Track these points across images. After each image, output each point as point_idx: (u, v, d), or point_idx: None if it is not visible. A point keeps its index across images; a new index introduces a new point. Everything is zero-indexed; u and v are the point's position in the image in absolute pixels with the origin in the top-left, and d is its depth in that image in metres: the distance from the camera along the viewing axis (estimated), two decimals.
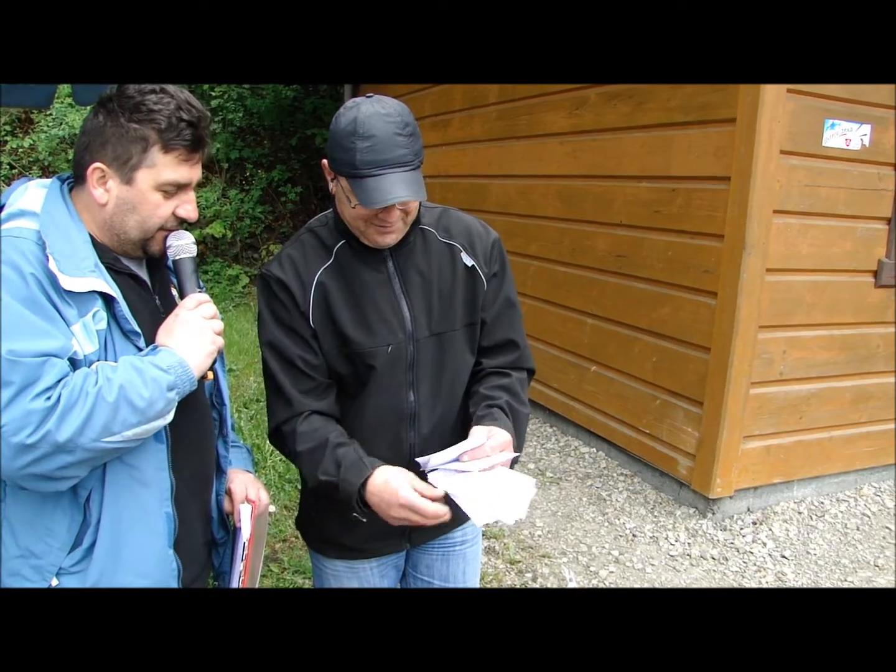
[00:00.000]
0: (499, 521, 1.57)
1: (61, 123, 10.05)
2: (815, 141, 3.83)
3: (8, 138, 10.26)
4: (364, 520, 1.70)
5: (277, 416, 1.81)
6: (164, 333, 1.51)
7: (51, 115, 10.18)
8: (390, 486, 1.63)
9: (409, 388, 1.83)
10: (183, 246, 1.58)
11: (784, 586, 3.64)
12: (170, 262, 1.64)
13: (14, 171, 9.99)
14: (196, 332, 1.51)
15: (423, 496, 1.61)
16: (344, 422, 1.83)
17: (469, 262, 1.86)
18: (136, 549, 1.52)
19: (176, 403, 1.47)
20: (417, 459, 1.71)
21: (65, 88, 4.46)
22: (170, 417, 1.48)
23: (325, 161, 1.73)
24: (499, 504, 1.59)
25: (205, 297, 1.58)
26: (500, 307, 1.92)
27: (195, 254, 1.62)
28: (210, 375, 1.58)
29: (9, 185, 9.51)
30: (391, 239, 1.76)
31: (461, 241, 1.88)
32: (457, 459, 1.66)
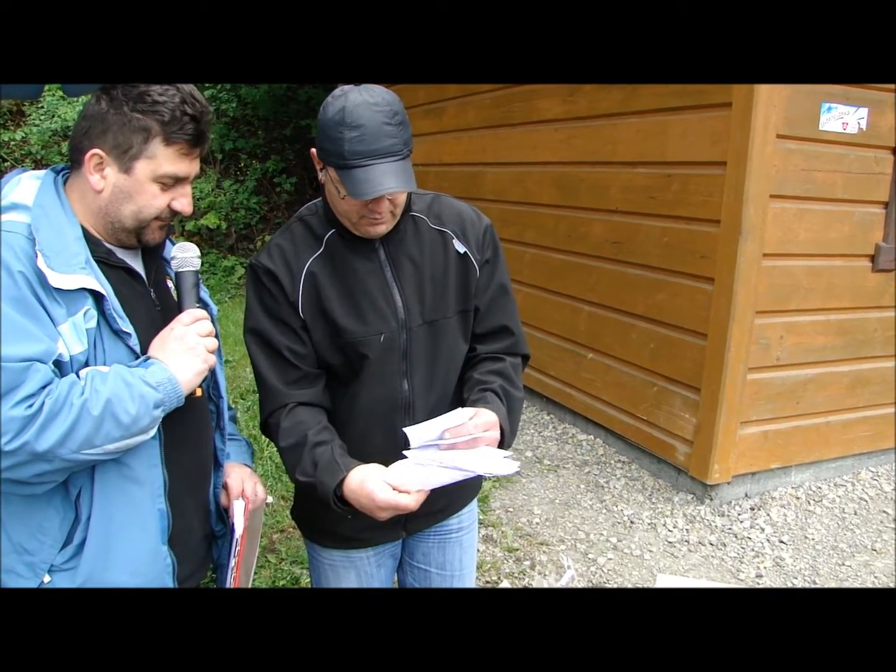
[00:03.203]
0: (477, 473, 1.58)
1: (53, 116, 9.98)
2: (812, 125, 3.81)
3: (0, 131, 10.19)
4: (349, 516, 1.69)
5: (265, 409, 1.80)
6: (158, 346, 1.50)
7: (42, 107, 10.12)
8: (365, 489, 1.60)
9: (403, 377, 1.81)
10: (187, 259, 1.58)
11: (782, 571, 3.65)
12: (166, 254, 1.63)
13: (6, 163, 9.94)
14: (188, 350, 1.50)
15: (399, 491, 1.58)
16: (338, 412, 1.82)
17: (461, 248, 1.85)
18: (128, 546, 1.51)
19: (160, 420, 1.47)
20: (406, 431, 1.69)
21: None
22: (152, 433, 1.47)
23: (314, 150, 1.71)
24: (475, 465, 1.58)
25: (202, 313, 1.56)
26: (494, 294, 1.90)
27: (198, 268, 1.61)
28: (199, 392, 1.56)
29: (1, 177, 9.45)
30: (381, 230, 1.74)
31: (453, 228, 1.86)
32: (440, 437, 1.65)
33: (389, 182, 1.58)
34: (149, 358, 1.48)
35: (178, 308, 1.58)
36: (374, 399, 1.81)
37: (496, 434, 1.70)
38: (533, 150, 5.31)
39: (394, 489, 1.58)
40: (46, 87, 6.23)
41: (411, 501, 1.58)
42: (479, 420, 1.67)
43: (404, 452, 1.66)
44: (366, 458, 1.83)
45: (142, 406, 1.40)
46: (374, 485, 1.59)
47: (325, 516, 1.94)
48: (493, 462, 1.61)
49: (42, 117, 10.14)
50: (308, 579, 2.90)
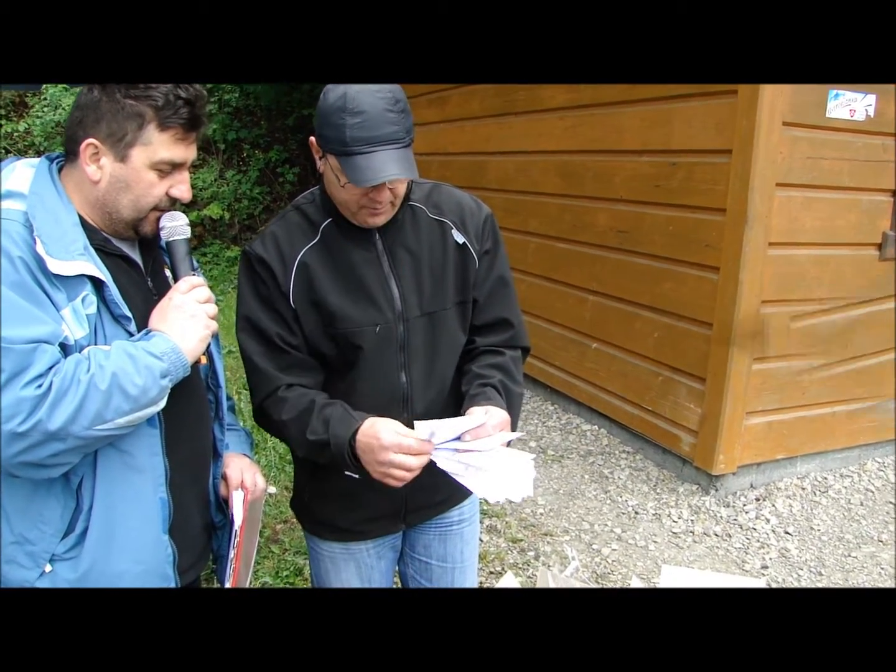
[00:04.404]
0: (508, 500, 1.56)
1: (56, 108, 9.96)
2: (819, 112, 3.77)
3: (2, 122, 10.18)
4: (357, 476, 1.66)
5: (258, 394, 1.78)
6: (158, 318, 1.48)
7: (45, 99, 10.09)
8: (374, 428, 1.60)
9: (401, 370, 1.79)
10: (177, 227, 1.55)
11: (788, 562, 3.63)
12: (163, 243, 1.61)
13: (9, 154, 9.92)
14: (189, 317, 1.48)
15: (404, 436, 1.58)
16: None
17: (460, 239, 1.82)
18: (130, 535, 1.50)
19: (169, 390, 1.45)
20: (416, 424, 1.65)
21: None
22: (163, 404, 1.45)
23: (312, 139, 1.69)
24: (504, 482, 1.56)
25: (199, 280, 1.54)
26: (493, 285, 1.88)
27: (189, 235, 1.58)
28: (204, 360, 1.55)
29: None
30: (380, 220, 1.72)
31: (452, 218, 1.84)
32: (458, 439, 1.63)
33: (392, 169, 1.56)
34: (150, 331, 1.46)
35: (173, 278, 1.57)
36: (372, 392, 1.79)
37: (509, 434, 1.68)
38: (537, 138, 5.27)
39: (398, 433, 1.58)
40: None
41: (414, 443, 1.57)
42: (494, 420, 1.64)
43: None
44: None
45: (149, 377, 1.39)
46: (382, 425, 1.60)
47: (324, 508, 1.93)
48: (512, 471, 1.59)
49: (45, 109, 10.11)
50: None
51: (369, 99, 1.56)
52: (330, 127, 1.59)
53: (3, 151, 9.97)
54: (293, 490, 2.07)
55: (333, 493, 1.88)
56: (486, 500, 3.86)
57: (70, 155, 1.50)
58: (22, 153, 9.86)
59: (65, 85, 9.64)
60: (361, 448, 1.62)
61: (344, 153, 1.58)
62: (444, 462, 1.60)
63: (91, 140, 1.45)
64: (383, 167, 1.56)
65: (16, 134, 10.19)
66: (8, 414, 1.28)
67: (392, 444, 1.57)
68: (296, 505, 2.05)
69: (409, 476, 1.59)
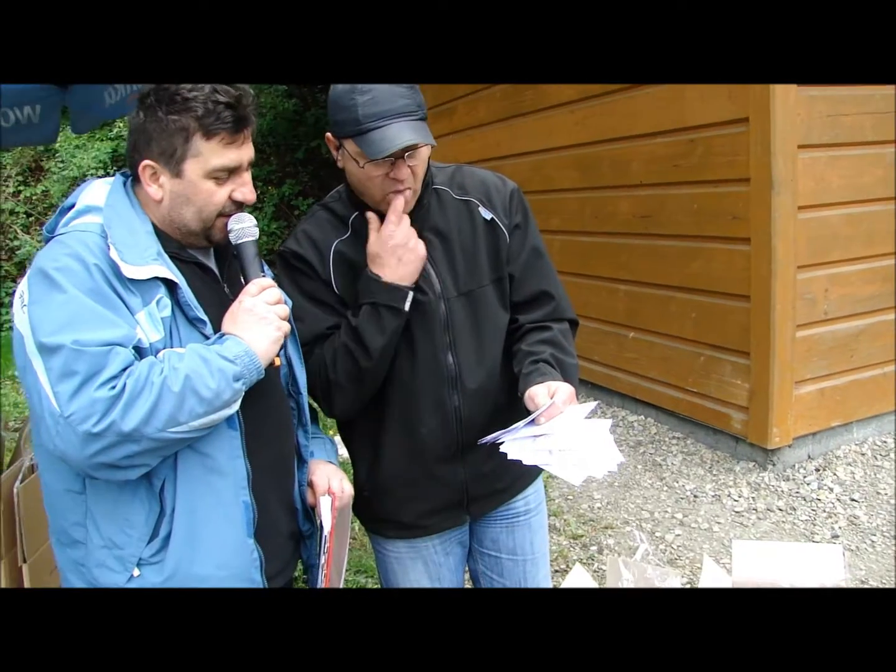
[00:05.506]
0: (595, 477, 1.51)
1: (70, 166, 10.10)
2: None
3: (21, 188, 10.37)
4: (410, 295, 1.72)
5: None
6: (229, 321, 1.49)
7: (59, 158, 10.25)
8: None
9: (448, 350, 1.78)
10: (244, 229, 1.55)
11: (858, 529, 3.54)
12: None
13: (31, 218, 10.11)
14: (260, 319, 1.48)
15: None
16: (384, 393, 1.78)
17: (488, 215, 1.81)
18: (213, 539, 1.50)
19: (243, 393, 1.45)
20: (481, 442, 1.64)
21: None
22: (236, 406, 1.46)
23: (328, 134, 1.70)
24: (593, 457, 1.51)
25: (268, 281, 1.55)
26: (528, 258, 1.86)
27: (257, 236, 1.59)
28: (278, 361, 1.55)
29: (27, 233, 9.69)
30: (407, 204, 1.72)
31: (477, 196, 1.83)
32: (532, 422, 1.59)
33: (407, 135, 1.58)
34: (223, 335, 1.48)
35: (243, 280, 1.57)
36: (420, 373, 1.78)
37: (587, 405, 1.64)
38: (549, 136, 5.24)
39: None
40: (60, 137, 6.33)
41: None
42: (561, 396, 1.61)
43: (501, 448, 1.57)
44: (417, 439, 1.80)
45: (222, 380, 1.39)
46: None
47: (383, 503, 1.91)
48: (597, 443, 1.54)
49: (60, 167, 10.24)
50: (375, 586, 2.85)
51: None
52: (342, 110, 1.61)
53: (25, 216, 10.14)
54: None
55: (393, 485, 1.85)
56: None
57: (135, 180, 1.54)
58: (42, 215, 10.03)
59: (77, 142, 9.77)
60: (384, 262, 1.70)
61: (359, 132, 1.59)
62: (527, 454, 1.54)
63: (147, 162, 1.49)
64: (398, 135, 1.57)
65: (35, 197, 10.36)
66: (83, 415, 1.30)
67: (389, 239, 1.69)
68: (356, 504, 2.01)
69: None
